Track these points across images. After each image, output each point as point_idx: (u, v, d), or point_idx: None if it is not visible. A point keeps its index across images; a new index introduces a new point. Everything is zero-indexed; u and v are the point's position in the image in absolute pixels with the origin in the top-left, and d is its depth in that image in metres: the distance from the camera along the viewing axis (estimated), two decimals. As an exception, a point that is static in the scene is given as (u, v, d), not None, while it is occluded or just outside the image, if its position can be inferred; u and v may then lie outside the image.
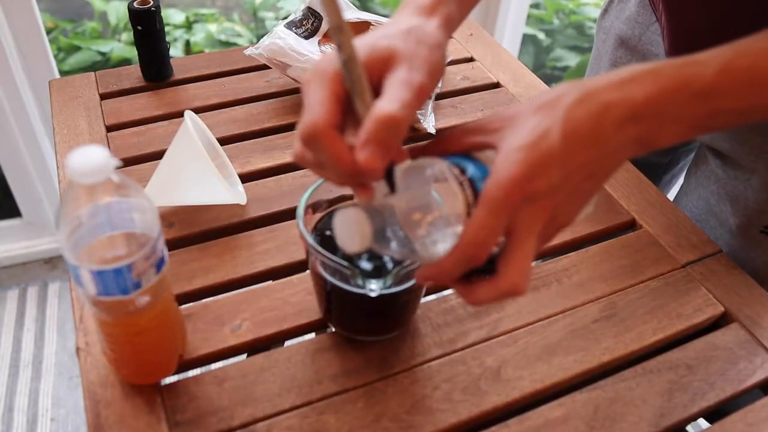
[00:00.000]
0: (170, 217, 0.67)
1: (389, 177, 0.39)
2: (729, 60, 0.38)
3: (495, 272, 0.39)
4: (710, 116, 0.39)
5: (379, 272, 0.53)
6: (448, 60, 0.95)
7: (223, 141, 0.76)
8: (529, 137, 0.36)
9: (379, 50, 0.39)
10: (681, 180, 0.94)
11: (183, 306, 0.59)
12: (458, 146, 0.42)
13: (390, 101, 0.36)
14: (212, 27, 1.74)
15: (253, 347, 0.58)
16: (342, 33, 0.36)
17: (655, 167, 0.83)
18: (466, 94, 0.90)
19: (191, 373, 0.55)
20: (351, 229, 0.39)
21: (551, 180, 0.36)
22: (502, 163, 0.36)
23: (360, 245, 0.39)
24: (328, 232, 0.54)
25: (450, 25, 0.45)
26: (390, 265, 0.53)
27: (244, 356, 0.58)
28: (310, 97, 0.37)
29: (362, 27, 0.87)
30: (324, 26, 0.85)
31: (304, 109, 0.37)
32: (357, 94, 0.37)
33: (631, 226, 0.71)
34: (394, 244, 0.40)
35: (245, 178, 0.73)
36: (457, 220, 0.38)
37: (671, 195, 0.89)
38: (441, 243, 0.39)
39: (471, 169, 0.39)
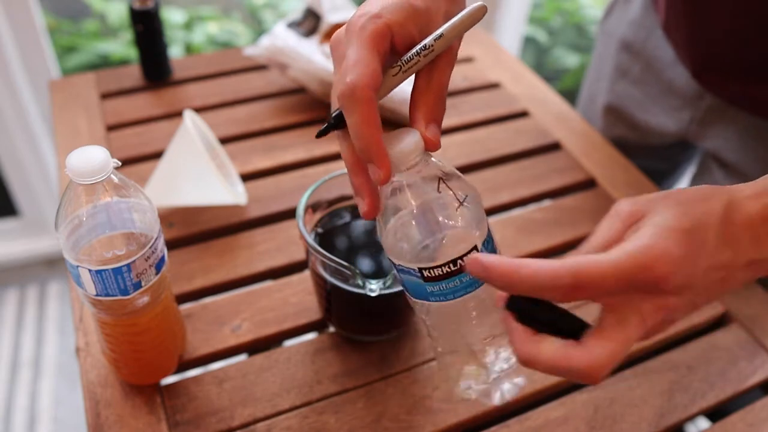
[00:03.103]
0: (170, 217, 0.67)
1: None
2: None
3: (571, 339, 0.32)
4: None
5: (379, 272, 0.53)
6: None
7: (223, 141, 0.76)
8: (687, 224, 0.31)
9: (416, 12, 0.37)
10: (680, 186, 0.94)
11: (183, 306, 0.59)
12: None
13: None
14: (212, 27, 1.74)
15: (253, 347, 0.58)
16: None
17: (655, 173, 0.83)
18: (466, 94, 0.90)
19: (191, 373, 0.55)
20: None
21: (696, 276, 0.31)
22: (655, 233, 0.31)
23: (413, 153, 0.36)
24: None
25: None
26: (390, 266, 0.53)
27: (244, 356, 0.58)
28: (351, 54, 0.34)
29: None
30: (323, 26, 0.85)
31: (342, 62, 0.35)
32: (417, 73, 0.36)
33: (631, 226, 0.71)
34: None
35: (245, 178, 0.73)
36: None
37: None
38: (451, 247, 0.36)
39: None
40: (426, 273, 0.36)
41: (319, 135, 0.37)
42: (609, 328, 0.31)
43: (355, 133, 0.34)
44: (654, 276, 0.30)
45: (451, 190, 0.36)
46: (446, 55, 0.37)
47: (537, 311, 0.33)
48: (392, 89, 0.37)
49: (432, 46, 0.36)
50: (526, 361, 0.32)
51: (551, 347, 0.31)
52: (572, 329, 0.32)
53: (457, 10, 0.38)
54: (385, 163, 0.34)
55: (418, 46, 0.36)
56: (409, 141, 0.35)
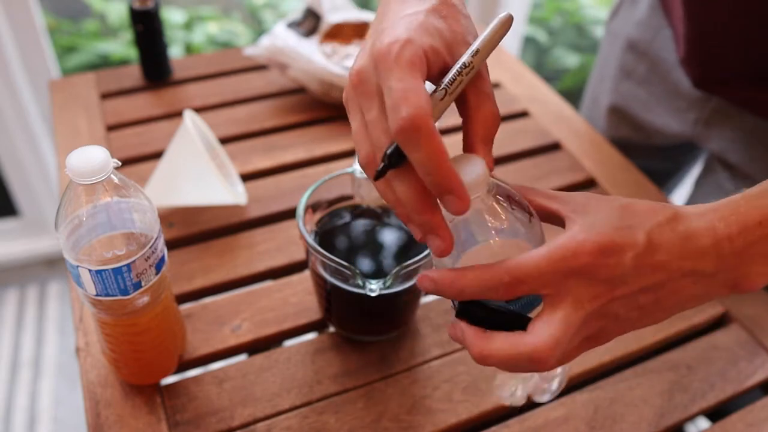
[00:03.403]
0: (170, 217, 0.67)
1: None
2: None
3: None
4: None
5: (379, 272, 0.53)
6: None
7: (223, 141, 0.76)
8: (617, 223, 0.34)
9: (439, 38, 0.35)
10: (682, 186, 0.94)
11: (183, 306, 0.59)
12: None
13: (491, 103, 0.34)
14: (212, 27, 1.74)
15: (253, 347, 0.58)
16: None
17: (658, 174, 0.83)
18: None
19: (191, 373, 0.55)
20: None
21: (623, 264, 0.33)
22: (584, 228, 0.34)
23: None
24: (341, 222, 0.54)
25: None
26: (390, 266, 0.53)
27: (244, 356, 0.58)
28: (397, 83, 0.32)
29: (362, 28, 0.87)
30: (323, 26, 0.85)
31: (390, 94, 0.32)
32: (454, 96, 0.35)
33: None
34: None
35: (245, 178, 0.73)
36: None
37: (674, 201, 0.89)
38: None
39: None
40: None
41: (378, 177, 0.34)
42: (547, 312, 0.34)
43: (427, 168, 0.32)
44: (581, 262, 0.33)
45: (520, 211, 0.36)
46: (482, 70, 0.36)
47: (484, 312, 0.35)
48: (441, 115, 0.35)
49: (471, 62, 0.35)
50: (481, 357, 0.34)
51: (500, 339, 0.34)
52: (518, 324, 0.35)
53: (470, 24, 0.38)
54: (465, 192, 0.32)
55: (458, 66, 0.35)
56: (478, 169, 0.34)
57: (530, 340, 0.33)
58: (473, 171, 0.34)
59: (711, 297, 0.36)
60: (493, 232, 0.35)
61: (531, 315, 0.36)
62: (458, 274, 0.34)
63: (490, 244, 0.35)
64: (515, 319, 0.35)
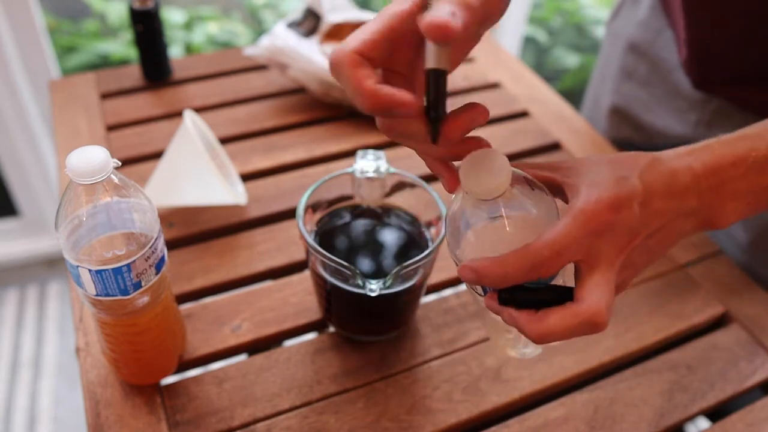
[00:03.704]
0: (170, 217, 0.67)
1: (429, 100, 0.34)
2: None
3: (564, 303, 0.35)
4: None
5: (379, 272, 0.53)
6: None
7: (223, 141, 0.76)
8: (614, 176, 0.36)
9: None
10: None
11: (183, 306, 0.59)
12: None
13: (439, 11, 0.31)
14: (212, 27, 1.74)
15: (253, 347, 0.58)
16: None
17: None
18: (466, 94, 0.90)
19: (191, 373, 0.55)
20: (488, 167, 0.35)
21: (634, 214, 0.35)
22: (590, 189, 0.35)
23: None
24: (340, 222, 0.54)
25: None
26: (390, 266, 0.53)
27: (244, 356, 0.58)
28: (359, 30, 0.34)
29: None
30: (323, 26, 0.85)
31: None
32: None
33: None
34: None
35: (245, 178, 0.73)
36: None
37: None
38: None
39: None
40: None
41: (434, 139, 0.35)
42: (587, 276, 0.35)
43: (355, 99, 0.33)
44: (603, 220, 0.34)
45: (537, 190, 0.37)
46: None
47: (528, 294, 0.36)
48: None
49: None
50: (541, 338, 0.34)
51: (556, 316, 0.34)
52: (563, 297, 0.35)
53: None
54: (402, 97, 0.32)
55: None
56: (504, 167, 0.35)
57: (585, 307, 0.34)
58: (500, 170, 0.34)
59: (696, 231, 0.38)
60: (520, 218, 0.36)
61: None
62: (499, 260, 0.34)
63: (521, 228, 0.35)
64: (560, 293, 0.35)
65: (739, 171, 0.37)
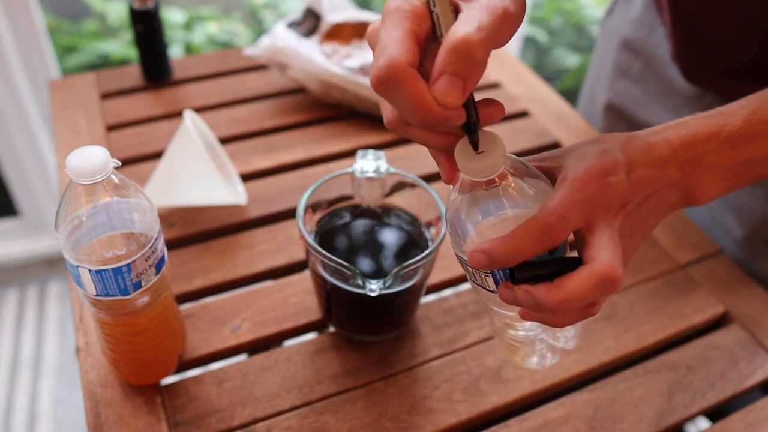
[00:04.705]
0: (170, 217, 0.67)
1: (469, 114, 0.34)
2: (756, 108, 0.39)
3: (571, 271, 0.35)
4: (744, 166, 0.39)
5: (378, 272, 0.53)
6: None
7: (223, 141, 0.76)
8: (597, 150, 0.37)
9: None
10: None
11: (183, 306, 0.59)
12: None
13: (464, 24, 0.31)
14: (212, 27, 1.74)
15: (253, 347, 0.58)
16: None
17: None
18: (466, 94, 0.90)
19: (191, 373, 0.55)
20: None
21: (622, 182, 0.36)
22: (577, 161, 0.36)
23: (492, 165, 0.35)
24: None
25: None
26: (390, 266, 0.53)
27: (244, 356, 0.58)
28: (384, 36, 0.32)
29: (362, 28, 0.87)
30: (323, 26, 0.85)
31: (376, 52, 0.32)
32: (444, 28, 0.32)
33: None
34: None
35: (245, 178, 0.73)
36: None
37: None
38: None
39: None
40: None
41: (474, 144, 0.35)
42: (593, 239, 0.35)
43: (414, 113, 0.32)
44: (595, 186, 0.35)
45: (534, 175, 0.37)
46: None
47: (539, 267, 0.35)
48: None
49: None
50: (562, 306, 0.34)
51: (572, 280, 0.34)
52: (573, 264, 0.35)
53: None
54: (456, 112, 0.32)
55: None
56: (495, 146, 0.35)
57: (599, 266, 0.33)
58: (494, 147, 0.34)
59: (681, 205, 0.39)
60: (522, 201, 0.36)
61: None
62: (508, 236, 0.34)
63: (522, 210, 0.36)
64: (570, 262, 0.36)
65: (713, 145, 0.38)
